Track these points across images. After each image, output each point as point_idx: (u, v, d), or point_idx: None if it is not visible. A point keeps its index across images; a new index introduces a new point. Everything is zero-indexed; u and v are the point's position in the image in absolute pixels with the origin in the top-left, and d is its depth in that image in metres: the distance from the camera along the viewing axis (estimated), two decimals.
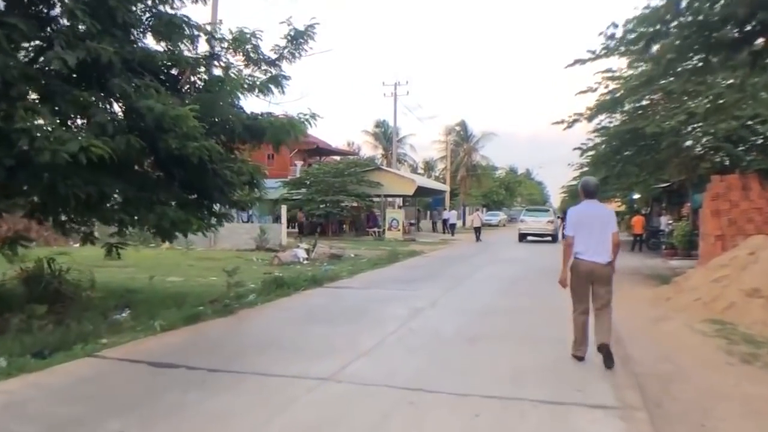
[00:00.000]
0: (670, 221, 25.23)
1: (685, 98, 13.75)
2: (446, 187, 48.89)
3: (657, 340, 7.96)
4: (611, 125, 15.79)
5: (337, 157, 49.43)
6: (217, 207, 11.34)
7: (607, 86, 14.87)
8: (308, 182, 34.33)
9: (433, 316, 9.32)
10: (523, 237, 32.54)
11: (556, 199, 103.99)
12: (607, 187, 27.00)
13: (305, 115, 11.27)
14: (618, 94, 14.42)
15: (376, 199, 48.21)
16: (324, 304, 10.68)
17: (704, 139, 15.94)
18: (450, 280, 14.10)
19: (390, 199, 51.75)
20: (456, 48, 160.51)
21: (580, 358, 6.46)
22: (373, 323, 8.67)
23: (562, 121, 15.32)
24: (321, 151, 52.81)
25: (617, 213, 39.69)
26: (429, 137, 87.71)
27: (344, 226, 36.25)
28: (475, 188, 62.31)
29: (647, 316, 9.64)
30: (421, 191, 38.57)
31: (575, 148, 16.20)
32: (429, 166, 69.92)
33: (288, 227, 40.74)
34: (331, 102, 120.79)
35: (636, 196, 31.55)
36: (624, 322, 9.03)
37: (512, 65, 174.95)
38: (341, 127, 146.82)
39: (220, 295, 10.68)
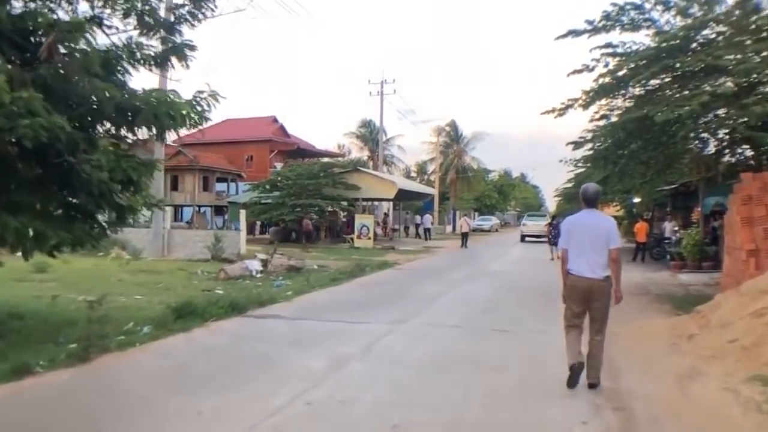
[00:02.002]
0: (676, 228, 22.47)
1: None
2: (433, 191, 46.02)
3: (690, 421, 5.10)
4: (613, 113, 12.88)
5: (326, 159, 46.83)
6: (105, 214, 8.87)
7: (606, 64, 12.04)
8: (280, 185, 31.46)
9: (356, 374, 6.39)
10: (524, 237, 37.70)
11: (551, 203, 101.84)
12: (607, 188, 24.11)
13: (202, 93, 8.53)
14: (622, 72, 11.59)
15: (364, 204, 45.47)
16: (222, 346, 7.81)
17: (723, 131, 13.12)
18: (411, 304, 11.23)
19: (376, 203, 49.06)
20: (446, 48, 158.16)
21: (580, 365, 5.83)
22: (261, 389, 5.76)
23: (553, 110, 12.46)
24: (303, 152, 49.97)
25: (615, 218, 36.61)
26: (420, 139, 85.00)
27: (320, 232, 33.34)
28: (466, 191, 59.42)
29: (669, 370, 6.77)
30: (405, 194, 35.70)
31: (569, 143, 13.24)
32: (421, 170, 67.22)
33: (263, 233, 38.04)
34: (321, 104, 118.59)
35: (636, 199, 28.69)
36: (639, 383, 6.19)
37: (505, 66, 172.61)
38: (331, 129, 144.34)
39: (89, 329, 7.97)
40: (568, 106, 12.02)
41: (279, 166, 44.80)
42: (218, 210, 46.18)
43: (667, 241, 21.95)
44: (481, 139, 59.70)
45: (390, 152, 58.18)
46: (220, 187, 48.60)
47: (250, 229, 40.24)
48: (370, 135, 56.73)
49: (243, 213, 24.26)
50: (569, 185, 33.26)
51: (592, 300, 5.89)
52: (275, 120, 53.19)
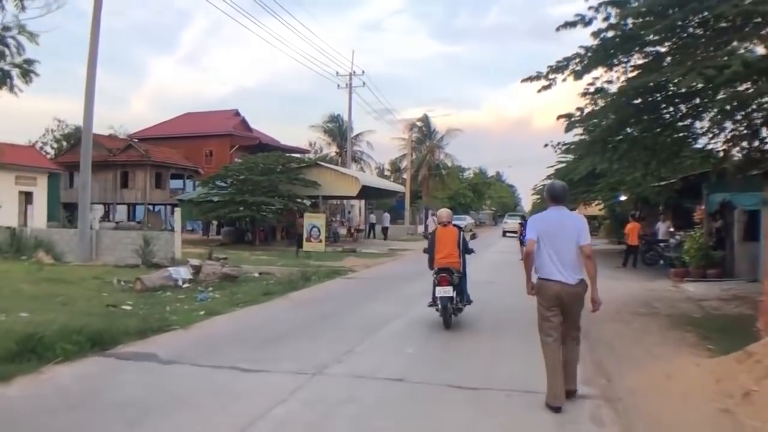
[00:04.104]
0: (672, 229, 19.86)
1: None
2: (401, 188, 43.07)
3: None
4: (612, 85, 9.97)
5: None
6: None
7: (608, 16, 9.16)
8: (229, 181, 28.32)
9: None
10: (505, 233, 41.47)
11: (527, 202, 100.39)
12: (599, 183, 21.42)
13: (7, 30, 5.59)
14: (629, 26, 8.74)
15: (333, 202, 42.35)
16: (17, 419, 4.84)
17: (741, 112, 10.36)
18: (346, 334, 8.25)
19: (346, 202, 46.05)
20: (419, 41, 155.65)
21: (557, 409, 5.08)
22: None
23: (537, 77, 9.53)
24: (266, 148, 46.64)
25: (595, 218, 33.73)
26: (393, 135, 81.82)
27: (277, 234, 30.27)
28: (440, 190, 56.57)
29: None
30: (370, 192, 32.74)
31: (561, 116, 10.03)
32: (395, 168, 64.32)
33: (217, 234, 34.77)
34: (293, 101, 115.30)
35: (622, 197, 26.03)
36: None
37: (481, 61, 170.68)
38: (302, 126, 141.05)
39: None
40: (558, 68, 9.02)
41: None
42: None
43: (662, 244, 19.30)
44: (454, 135, 56.99)
45: (360, 148, 55.17)
46: (176, 184, 45.33)
47: (206, 229, 37.10)
48: (339, 130, 53.64)
49: (178, 212, 21.16)
50: (549, 182, 30.67)
51: (568, 305, 5.37)
52: (237, 113, 50.03)
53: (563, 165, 26.15)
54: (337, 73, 40.79)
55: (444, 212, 10.04)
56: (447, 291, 8.82)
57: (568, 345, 5.41)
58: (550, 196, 5.61)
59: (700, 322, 9.38)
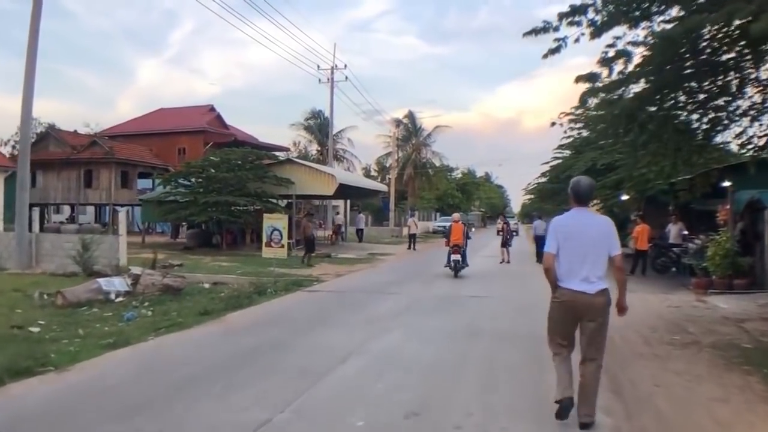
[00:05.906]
0: (685, 231, 17.60)
1: None
2: (385, 187, 40.70)
3: None
4: (637, 49, 7.56)
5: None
6: None
7: None
8: (193, 179, 25.80)
9: None
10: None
11: (517, 204, 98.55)
12: (600, 180, 19.05)
13: None
14: None
15: (317, 203, 39.88)
16: None
17: None
18: (277, 384, 5.79)
19: (328, 203, 43.63)
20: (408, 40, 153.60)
21: (566, 404, 4.58)
22: None
23: (545, 29, 7.09)
24: (242, 144, 43.99)
25: None
26: (379, 133, 79.05)
27: (247, 236, 27.72)
28: (426, 190, 54.18)
29: None
30: (350, 191, 30.32)
31: (580, 77, 7.40)
32: (382, 167, 61.95)
33: (183, 237, 32.20)
34: (281, 102, 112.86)
35: (624, 197, 23.70)
36: None
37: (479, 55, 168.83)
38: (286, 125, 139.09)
39: None
40: (572, 14, 6.63)
41: None
42: None
43: (675, 249, 17.01)
44: (441, 131, 54.65)
45: (343, 146, 52.71)
46: (145, 183, 42.61)
47: (176, 231, 34.52)
48: (319, 127, 51.17)
49: (123, 212, 18.64)
50: (543, 179, 28.32)
51: (586, 320, 4.68)
52: (212, 109, 47.46)
53: (560, 161, 23.90)
54: (318, 66, 38.34)
55: (456, 215, 18.67)
56: (457, 257, 16.35)
57: (587, 366, 4.71)
58: (575, 196, 4.92)
59: (756, 356, 7.04)
